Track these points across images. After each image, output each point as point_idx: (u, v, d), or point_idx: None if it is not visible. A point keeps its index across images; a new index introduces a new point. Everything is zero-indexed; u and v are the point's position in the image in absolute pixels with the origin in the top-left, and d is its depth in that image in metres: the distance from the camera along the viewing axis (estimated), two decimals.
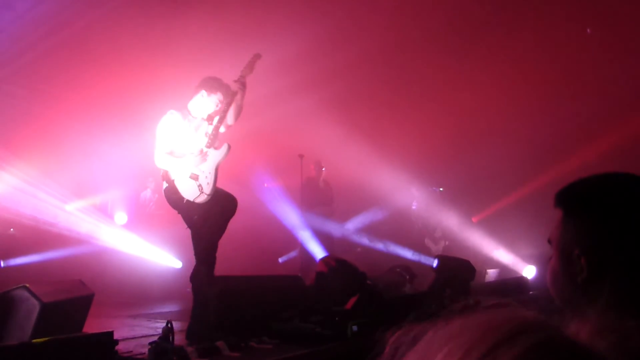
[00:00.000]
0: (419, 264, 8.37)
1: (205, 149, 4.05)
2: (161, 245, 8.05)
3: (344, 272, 5.07)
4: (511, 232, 9.48)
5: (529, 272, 8.18)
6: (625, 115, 8.97)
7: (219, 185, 4.13)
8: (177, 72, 7.24)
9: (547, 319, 0.51)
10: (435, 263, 6.14)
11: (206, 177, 4.03)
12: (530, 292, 6.93)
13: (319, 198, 8.36)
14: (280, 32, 7.69)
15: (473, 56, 8.99)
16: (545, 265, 1.16)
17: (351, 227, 9.79)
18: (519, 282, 7.30)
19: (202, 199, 3.99)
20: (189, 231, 4.08)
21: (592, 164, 8.13)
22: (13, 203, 7.81)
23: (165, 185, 4.08)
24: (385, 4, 8.17)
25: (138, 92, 8.15)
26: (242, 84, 4.15)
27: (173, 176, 4.01)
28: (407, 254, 9.15)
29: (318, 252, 7.82)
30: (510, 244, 9.21)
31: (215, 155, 4.08)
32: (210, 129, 4.10)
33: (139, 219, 9.10)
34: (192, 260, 4.08)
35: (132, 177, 9.11)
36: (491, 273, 8.10)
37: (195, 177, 3.99)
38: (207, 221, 3.99)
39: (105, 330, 3.24)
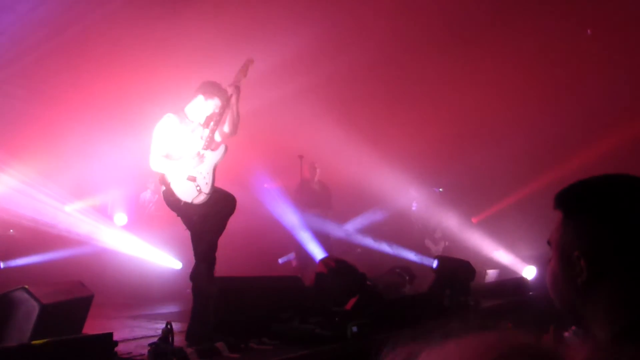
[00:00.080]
0: (418, 265, 8.36)
1: (202, 151, 4.06)
2: (161, 246, 8.04)
3: (344, 272, 5.07)
4: (511, 232, 9.47)
5: (529, 272, 8.17)
6: (626, 116, 8.96)
7: (219, 186, 4.14)
8: (177, 73, 7.25)
9: (539, 341, 0.51)
10: (435, 264, 6.14)
11: (204, 177, 4.03)
12: (530, 293, 6.93)
13: (314, 200, 8.31)
14: (280, 34, 7.70)
15: (473, 57, 9.00)
16: (545, 266, 1.16)
17: (351, 228, 9.77)
18: (519, 283, 7.30)
19: (200, 199, 3.99)
20: (188, 232, 4.09)
21: (592, 165, 8.13)
22: (12, 204, 7.79)
23: (162, 188, 4.09)
24: (385, 5, 8.18)
25: (138, 93, 8.15)
26: (237, 88, 4.16)
27: (170, 179, 4.01)
28: (410, 255, 9.14)
29: (317, 252, 7.80)
30: (510, 245, 9.21)
31: (213, 157, 4.09)
32: (206, 132, 4.12)
33: (139, 220, 9.08)
34: (192, 261, 4.07)
35: (132, 178, 9.08)
36: (491, 274, 8.09)
37: (192, 179, 4.00)
38: (207, 220, 3.99)
39: (105, 332, 3.24)
